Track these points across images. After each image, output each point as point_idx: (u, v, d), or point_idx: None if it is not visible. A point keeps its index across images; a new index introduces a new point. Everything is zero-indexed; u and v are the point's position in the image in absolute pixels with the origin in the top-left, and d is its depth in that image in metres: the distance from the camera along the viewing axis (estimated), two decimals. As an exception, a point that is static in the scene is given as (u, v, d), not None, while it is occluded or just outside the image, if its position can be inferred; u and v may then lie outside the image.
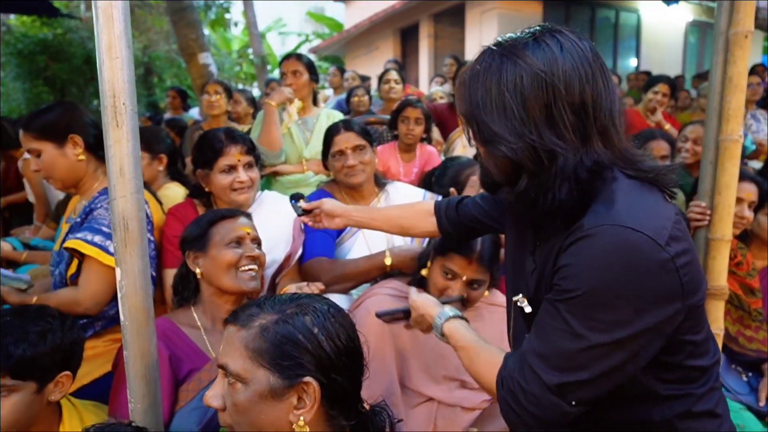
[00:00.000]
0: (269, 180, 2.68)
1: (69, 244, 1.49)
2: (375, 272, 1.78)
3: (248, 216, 1.53)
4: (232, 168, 1.75)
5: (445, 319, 1.05)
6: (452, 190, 2.10)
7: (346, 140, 1.93)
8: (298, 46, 15.00)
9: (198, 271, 1.41)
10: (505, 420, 0.87)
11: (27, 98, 8.91)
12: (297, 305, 0.88)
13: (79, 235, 1.50)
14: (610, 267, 0.76)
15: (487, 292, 1.60)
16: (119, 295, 0.96)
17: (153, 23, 10.33)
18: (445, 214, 1.37)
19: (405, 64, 10.31)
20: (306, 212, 1.49)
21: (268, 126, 2.51)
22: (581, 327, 0.78)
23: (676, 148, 2.63)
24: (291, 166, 2.62)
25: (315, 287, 1.41)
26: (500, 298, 1.71)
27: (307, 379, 0.82)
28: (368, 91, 4.26)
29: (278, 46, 16.62)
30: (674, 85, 3.68)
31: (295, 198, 1.53)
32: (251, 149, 1.80)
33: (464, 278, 1.50)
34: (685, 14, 9.35)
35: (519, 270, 1.02)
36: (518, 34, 0.86)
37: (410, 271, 1.76)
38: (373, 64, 10.61)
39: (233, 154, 1.75)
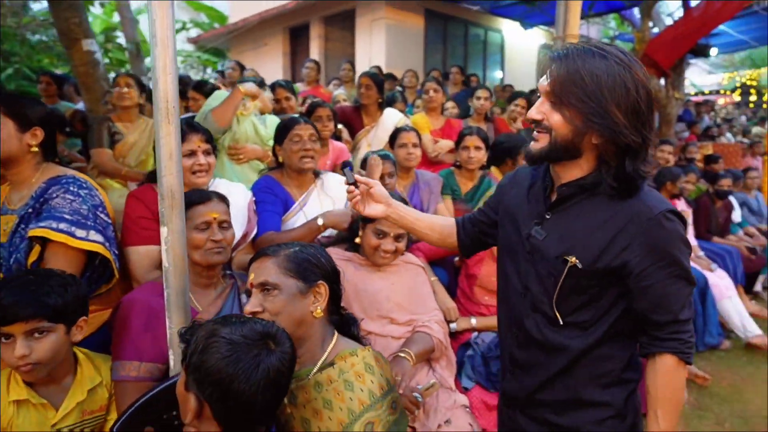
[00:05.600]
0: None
1: (35, 232, 1.58)
2: (312, 235, 2.16)
3: (223, 198, 1.75)
4: (192, 153, 2.01)
5: None
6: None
7: (306, 129, 2.33)
8: (176, 32, 14.06)
9: None
10: None
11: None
12: (303, 244, 1.39)
13: (42, 224, 1.58)
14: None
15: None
16: (164, 248, 1.28)
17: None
18: (463, 228, 1.48)
19: (294, 63, 10.42)
20: (354, 184, 1.41)
21: (229, 104, 2.74)
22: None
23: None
24: (259, 149, 2.90)
25: None
26: (412, 258, 2.24)
27: (320, 282, 1.32)
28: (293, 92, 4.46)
29: (152, 32, 15.41)
30: (530, 100, 4.58)
31: (349, 165, 1.47)
32: (209, 139, 2.09)
33: (392, 234, 1.99)
34: (537, 37, 10.96)
35: (516, 247, 1.27)
36: (578, 45, 1.11)
37: (340, 228, 2.17)
38: (260, 59, 10.49)
39: (194, 141, 2.01)
